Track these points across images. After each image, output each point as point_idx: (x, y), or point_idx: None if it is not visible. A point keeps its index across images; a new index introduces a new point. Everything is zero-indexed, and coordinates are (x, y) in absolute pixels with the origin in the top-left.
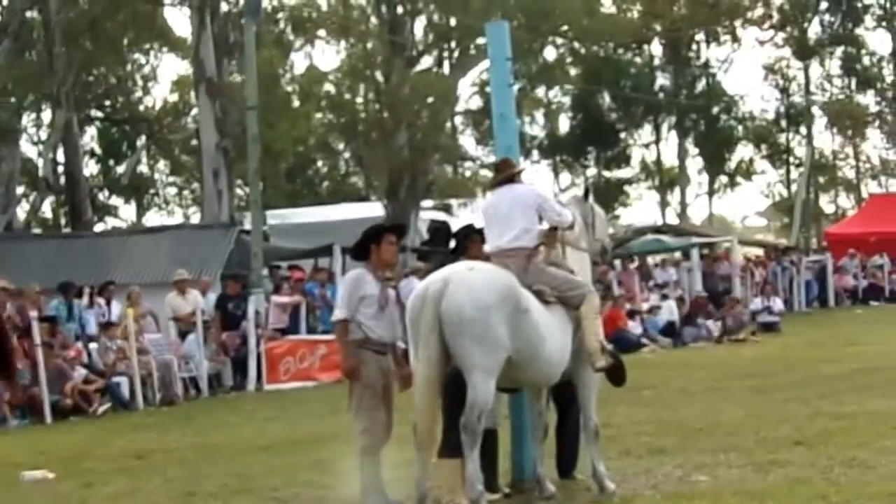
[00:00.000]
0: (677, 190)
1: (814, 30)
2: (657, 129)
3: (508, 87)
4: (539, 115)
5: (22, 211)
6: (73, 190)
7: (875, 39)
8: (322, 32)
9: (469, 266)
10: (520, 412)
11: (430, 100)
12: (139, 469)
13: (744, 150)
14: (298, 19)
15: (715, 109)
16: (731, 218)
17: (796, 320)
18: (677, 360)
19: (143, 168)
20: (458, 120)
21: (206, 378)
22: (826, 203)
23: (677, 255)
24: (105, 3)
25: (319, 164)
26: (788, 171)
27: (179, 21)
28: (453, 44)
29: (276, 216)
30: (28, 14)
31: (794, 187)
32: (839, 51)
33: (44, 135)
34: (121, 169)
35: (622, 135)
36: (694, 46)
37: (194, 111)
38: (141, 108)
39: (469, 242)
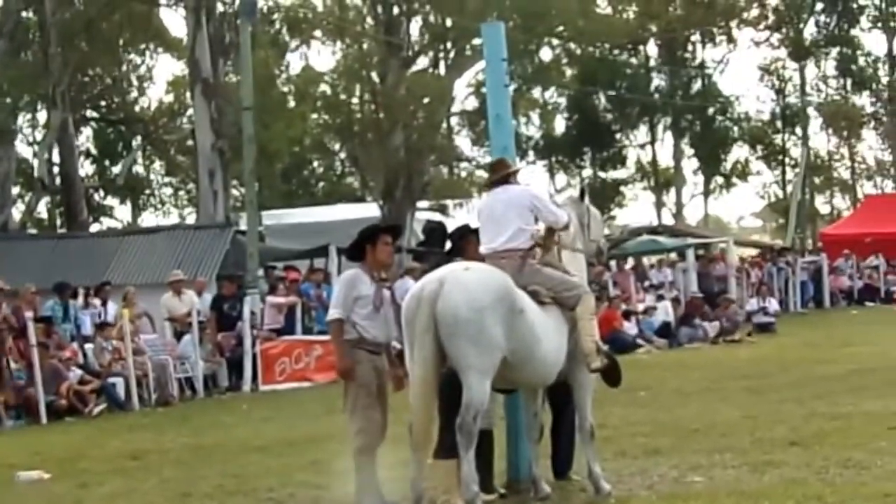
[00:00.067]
0: (673, 191)
1: (809, 31)
2: (653, 129)
3: (504, 87)
4: (535, 116)
5: (17, 211)
6: (68, 190)
7: (870, 40)
8: (318, 33)
9: (465, 266)
10: (515, 413)
11: (425, 100)
12: (135, 469)
13: (739, 151)
14: (294, 20)
15: (710, 110)
16: (727, 219)
17: (792, 321)
18: (673, 360)
19: (139, 168)
20: (453, 120)
21: (202, 379)
22: (821, 204)
23: (673, 255)
24: (101, 3)
25: (315, 164)
26: (784, 172)
27: (175, 22)
28: (449, 44)
29: (271, 217)
30: (24, 14)
31: (789, 188)
32: (835, 52)
33: (39, 135)
34: (116, 169)
35: (618, 135)
36: (689, 47)
37: (190, 112)
38: (136, 108)
39: (465, 243)
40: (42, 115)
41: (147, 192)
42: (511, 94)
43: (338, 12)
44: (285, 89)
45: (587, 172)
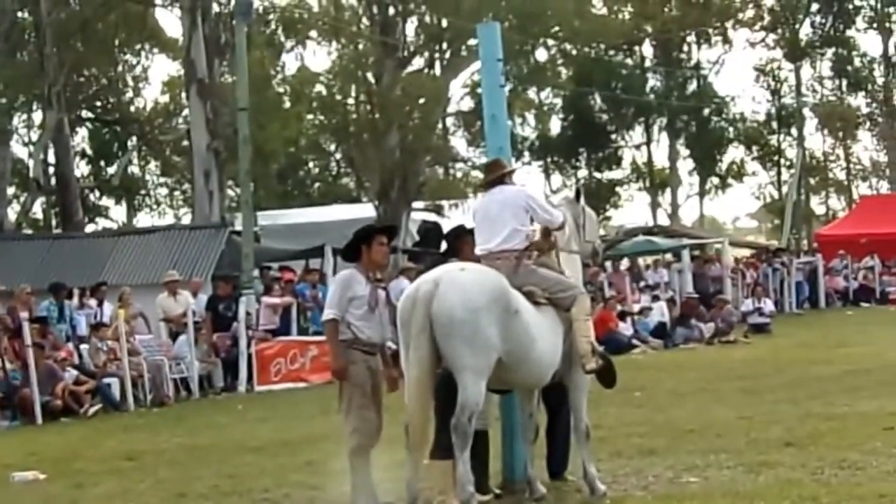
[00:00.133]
0: (668, 191)
1: (805, 31)
2: (648, 130)
3: (500, 88)
4: (530, 117)
5: (13, 211)
6: (63, 191)
7: (866, 41)
8: (313, 33)
9: (460, 267)
10: (510, 413)
11: (421, 101)
12: (130, 470)
13: (735, 152)
14: (290, 20)
15: (706, 111)
16: (722, 219)
17: (787, 322)
18: (668, 361)
19: (134, 169)
20: (449, 121)
21: (197, 379)
22: (817, 204)
23: (668, 256)
24: (96, 4)
25: (311, 165)
26: (779, 173)
27: (170, 22)
28: (445, 45)
29: (267, 217)
30: (19, 15)
31: (784, 189)
32: (830, 52)
33: (35, 135)
34: (112, 170)
35: (613, 136)
36: (685, 48)
37: (185, 112)
38: (132, 108)
39: (460, 243)
40: (37, 116)
41: (142, 192)
42: (506, 94)
43: (333, 13)
44: (281, 90)
45: (582, 173)
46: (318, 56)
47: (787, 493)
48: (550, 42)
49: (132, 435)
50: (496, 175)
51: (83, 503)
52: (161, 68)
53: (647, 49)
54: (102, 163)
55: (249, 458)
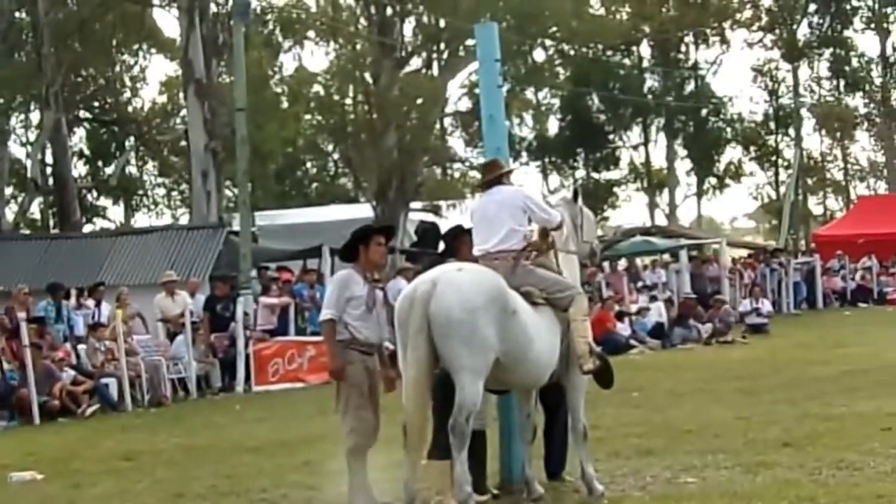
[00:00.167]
0: (666, 192)
1: (802, 32)
2: (646, 130)
3: (497, 88)
4: (528, 117)
5: (10, 212)
6: (61, 191)
7: (863, 41)
8: (311, 34)
9: (457, 267)
10: (508, 413)
11: (419, 101)
12: (127, 470)
13: (732, 152)
14: (287, 20)
15: (704, 111)
16: (720, 219)
17: (785, 322)
18: (666, 361)
19: (132, 169)
20: (447, 121)
21: (195, 379)
22: (814, 205)
23: (666, 256)
24: (94, 4)
25: (308, 165)
26: (777, 173)
27: (168, 22)
28: (442, 45)
29: (264, 217)
30: (17, 15)
31: (782, 189)
32: (828, 53)
33: (32, 136)
34: (109, 170)
35: (611, 136)
36: (683, 48)
37: (183, 112)
38: (130, 109)
39: (458, 243)
40: (35, 116)
41: (140, 192)
42: (504, 94)
43: (331, 13)
44: (279, 90)
45: (580, 173)
46: (316, 56)
47: (784, 493)
48: (548, 42)
49: (130, 435)
50: (494, 175)
51: (81, 503)
52: (159, 68)
53: (645, 49)
54: (100, 163)
55: (247, 458)
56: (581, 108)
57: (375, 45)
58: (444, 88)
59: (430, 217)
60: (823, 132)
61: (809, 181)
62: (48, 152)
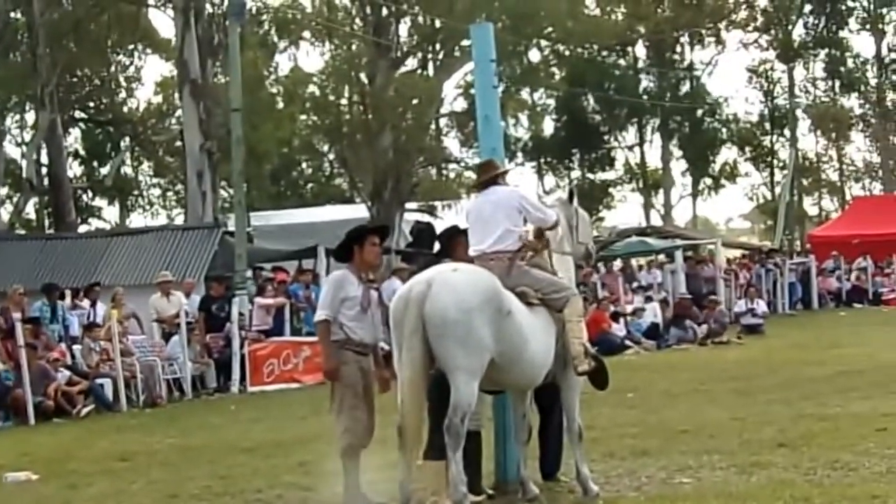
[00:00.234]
0: (661, 192)
1: (798, 32)
2: (641, 131)
3: (493, 88)
4: (523, 117)
5: (5, 212)
6: (56, 191)
7: (859, 42)
8: (306, 34)
9: (453, 267)
10: (503, 414)
11: (414, 101)
12: (123, 471)
13: (728, 153)
14: (283, 21)
15: (699, 112)
16: (715, 220)
17: (780, 322)
18: (661, 362)
19: (127, 169)
20: (442, 122)
21: (190, 380)
22: (810, 205)
23: (661, 257)
24: (89, 4)
25: (304, 165)
26: (772, 174)
27: (163, 22)
28: (438, 46)
29: (260, 218)
30: (12, 15)
31: (777, 190)
32: (823, 53)
33: (27, 136)
34: (105, 170)
35: (606, 137)
36: (678, 49)
37: (178, 113)
38: (125, 109)
39: (453, 244)
40: (30, 116)
41: (135, 192)
42: (500, 95)
43: (326, 13)
44: (274, 90)
45: (576, 174)
46: (312, 57)
47: (779, 493)
48: (543, 43)
49: (125, 435)
50: (489, 176)
51: None
52: (154, 69)
53: (640, 50)
54: (95, 163)
55: (242, 458)
56: (576, 109)
57: (371, 45)
58: (440, 89)
59: (425, 217)
60: (819, 133)
61: (805, 182)
62: (43, 152)
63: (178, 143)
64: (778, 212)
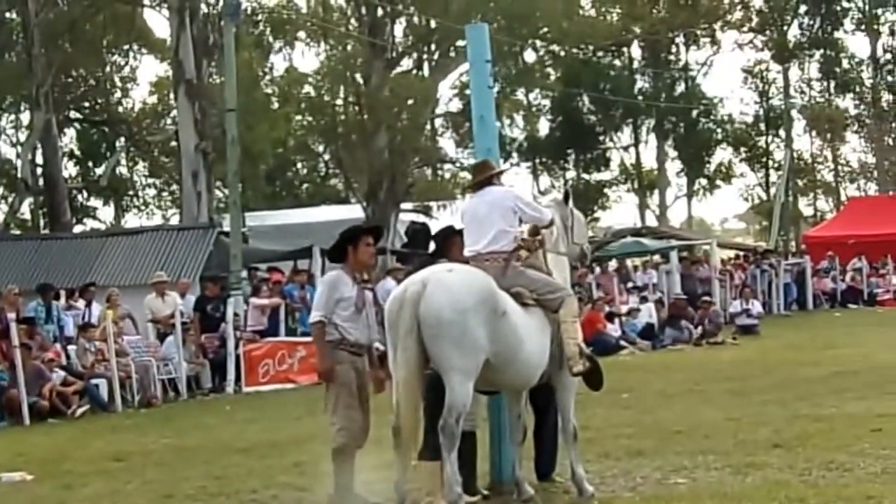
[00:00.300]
0: (656, 192)
1: (793, 33)
2: (636, 131)
3: (488, 89)
4: (519, 118)
5: (0, 212)
6: (51, 191)
7: (854, 43)
8: (302, 34)
9: (447, 268)
10: (498, 414)
11: (409, 102)
12: (118, 471)
13: (723, 153)
14: (278, 21)
15: (694, 112)
16: (711, 221)
17: (775, 323)
18: (656, 362)
19: (122, 169)
20: (437, 122)
21: (185, 380)
22: (805, 206)
23: (656, 257)
24: (84, 4)
25: (299, 165)
26: (767, 174)
27: (159, 22)
28: (433, 46)
29: (255, 218)
30: (7, 15)
31: (772, 190)
32: (818, 54)
33: (22, 136)
34: (100, 170)
35: (602, 137)
36: (673, 49)
37: (173, 113)
38: (120, 109)
39: (448, 244)
40: (25, 116)
41: (130, 193)
42: (495, 95)
43: (322, 14)
44: (269, 90)
45: (571, 174)
46: (307, 57)
47: (774, 494)
48: (539, 43)
49: (120, 436)
50: (485, 176)
51: None
52: (149, 69)
53: (636, 50)
54: (90, 163)
55: (237, 459)
56: (572, 109)
57: (366, 45)
58: (435, 89)
59: (420, 218)
60: (814, 133)
61: (800, 182)
62: (38, 153)
63: (174, 144)
64: (773, 212)
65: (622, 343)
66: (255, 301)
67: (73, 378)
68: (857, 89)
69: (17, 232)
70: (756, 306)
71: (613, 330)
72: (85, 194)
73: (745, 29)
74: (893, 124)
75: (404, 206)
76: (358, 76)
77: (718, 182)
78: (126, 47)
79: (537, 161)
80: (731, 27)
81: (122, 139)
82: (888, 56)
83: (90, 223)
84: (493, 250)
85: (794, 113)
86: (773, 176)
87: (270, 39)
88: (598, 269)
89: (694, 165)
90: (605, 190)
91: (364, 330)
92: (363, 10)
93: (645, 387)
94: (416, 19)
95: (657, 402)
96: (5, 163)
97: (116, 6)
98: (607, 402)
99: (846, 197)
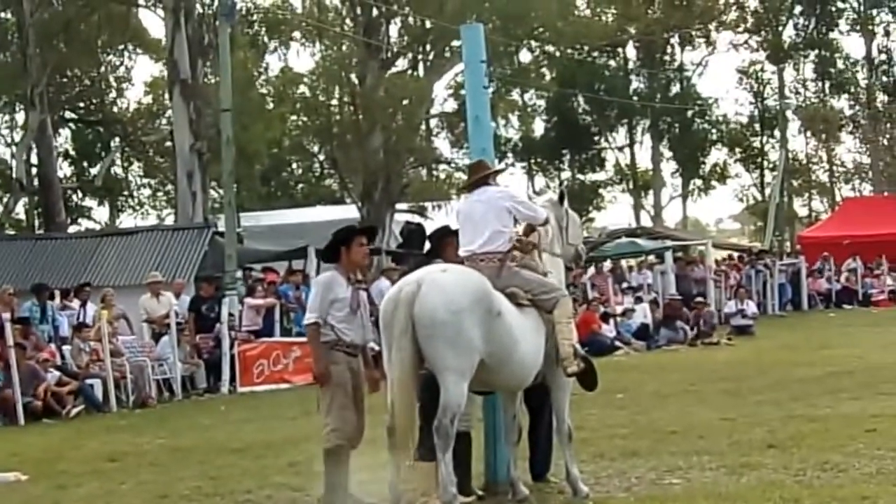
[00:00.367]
0: (651, 193)
1: (788, 33)
2: (631, 132)
3: (483, 89)
4: (514, 118)
5: None
6: (46, 191)
7: (849, 43)
8: (297, 34)
9: (442, 268)
10: (493, 415)
11: (404, 102)
12: (112, 471)
13: (718, 154)
14: (273, 21)
15: (689, 113)
16: (706, 221)
17: (770, 323)
18: (651, 363)
19: (117, 170)
20: (432, 122)
21: (180, 380)
22: (800, 206)
23: (651, 258)
24: (79, 4)
25: (294, 166)
26: (762, 175)
27: (153, 23)
28: (428, 46)
29: (250, 218)
30: (2, 15)
31: (767, 191)
32: (813, 54)
33: (17, 136)
34: (94, 170)
35: (597, 138)
36: (668, 50)
37: (168, 113)
38: (115, 109)
39: (443, 244)
40: (20, 116)
41: (125, 193)
42: (490, 95)
43: (317, 14)
44: (264, 91)
45: (566, 175)
46: (302, 57)
47: (769, 494)
48: (534, 44)
49: (114, 436)
50: (480, 176)
51: None
52: (144, 69)
53: (631, 51)
54: (85, 163)
55: (232, 459)
56: (567, 110)
57: (361, 46)
58: (430, 89)
59: (415, 218)
60: (809, 134)
61: (795, 183)
62: (33, 153)
63: (168, 144)
64: (768, 213)
65: (617, 343)
66: (249, 301)
67: (68, 378)
68: (852, 90)
69: (12, 232)
70: (751, 307)
71: (608, 330)
72: (80, 194)
73: (739, 29)
74: (888, 125)
75: (399, 206)
76: (353, 76)
77: (713, 182)
78: (121, 47)
79: (532, 161)
80: (725, 28)
81: (117, 139)
82: (883, 57)
83: (85, 223)
84: (489, 250)
85: (788, 113)
86: (768, 176)
87: (265, 39)
88: (592, 270)
89: (689, 166)
90: (600, 190)
91: (359, 330)
92: (358, 11)
93: (640, 387)
94: (411, 19)
95: (652, 402)
96: (0, 163)
97: (111, 6)
98: (602, 403)
99: (841, 197)
